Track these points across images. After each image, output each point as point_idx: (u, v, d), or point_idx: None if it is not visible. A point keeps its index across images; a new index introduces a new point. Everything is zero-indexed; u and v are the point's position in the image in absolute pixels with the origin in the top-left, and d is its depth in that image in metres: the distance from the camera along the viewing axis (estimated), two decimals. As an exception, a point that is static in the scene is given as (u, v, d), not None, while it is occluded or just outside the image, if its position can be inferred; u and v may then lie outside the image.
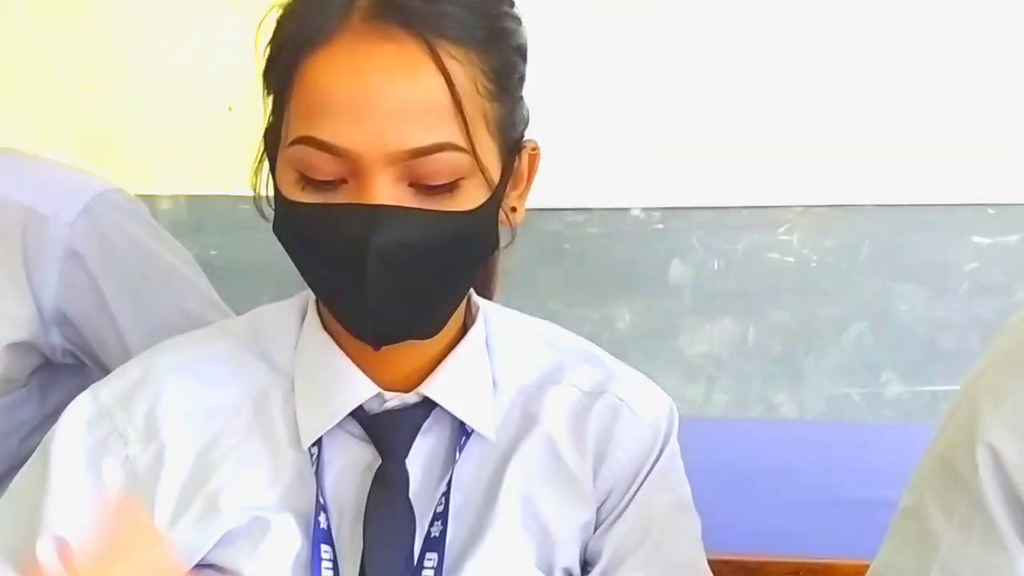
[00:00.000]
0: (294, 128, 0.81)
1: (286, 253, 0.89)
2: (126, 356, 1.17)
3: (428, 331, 0.87)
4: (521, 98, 0.91)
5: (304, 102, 0.81)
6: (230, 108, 2.20)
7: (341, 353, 0.89)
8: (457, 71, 0.81)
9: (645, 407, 0.95)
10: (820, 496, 1.59)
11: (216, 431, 0.90)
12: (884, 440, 1.91)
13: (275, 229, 0.87)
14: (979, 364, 0.85)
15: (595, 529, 0.91)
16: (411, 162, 0.80)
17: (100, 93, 2.22)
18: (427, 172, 0.81)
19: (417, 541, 0.86)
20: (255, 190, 0.94)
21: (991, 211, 2.19)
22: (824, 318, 2.25)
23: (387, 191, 0.80)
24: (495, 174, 0.86)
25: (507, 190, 0.90)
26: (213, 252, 2.13)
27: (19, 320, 1.14)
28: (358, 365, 0.88)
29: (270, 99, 0.91)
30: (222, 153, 2.21)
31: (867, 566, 1.10)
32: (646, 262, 2.24)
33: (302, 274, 0.88)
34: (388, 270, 0.80)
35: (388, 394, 0.87)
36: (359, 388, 0.87)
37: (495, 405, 0.92)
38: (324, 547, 0.84)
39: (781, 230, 2.23)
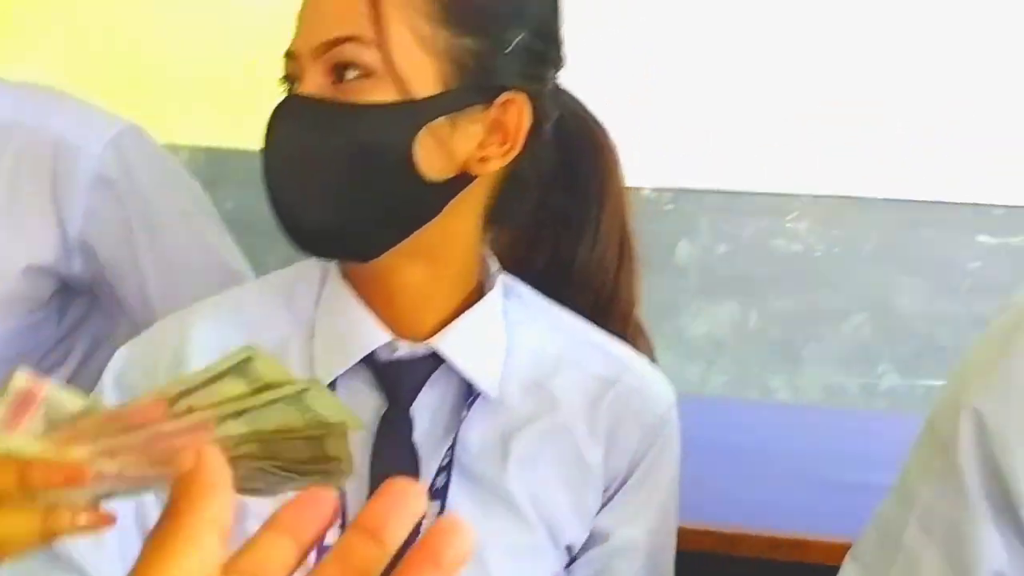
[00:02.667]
0: None
1: None
2: (142, 286, 1.20)
3: (352, 245, 0.89)
4: (513, 50, 0.92)
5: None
6: (253, 64, 2.22)
7: (359, 302, 0.92)
8: None
9: (654, 398, 0.98)
10: (809, 477, 1.62)
11: None
12: (877, 427, 1.93)
13: None
14: (976, 340, 0.87)
15: (600, 508, 0.94)
16: (327, 55, 0.85)
17: (126, 40, 2.24)
18: (339, 62, 0.85)
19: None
20: None
21: (998, 211, 2.20)
22: (825, 307, 2.26)
23: (313, 82, 0.85)
24: (421, 88, 0.88)
25: (485, 136, 0.91)
26: (229, 205, 2.15)
27: (43, 245, 1.17)
28: (376, 314, 0.91)
29: None
30: (242, 108, 2.23)
31: (839, 544, 1.13)
32: (654, 241, 2.23)
33: None
34: (282, 151, 0.85)
35: (399, 343, 0.90)
36: (373, 335, 0.90)
37: (507, 372, 0.94)
38: None
39: (789, 218, 2.24)
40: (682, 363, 2.28)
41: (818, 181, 2.22)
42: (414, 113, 0.87)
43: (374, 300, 0.91)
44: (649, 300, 2.23)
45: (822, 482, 1.59)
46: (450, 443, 0.89)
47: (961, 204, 2.21)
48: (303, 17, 0.87)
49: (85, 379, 1.02)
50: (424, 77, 0.87)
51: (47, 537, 0.53)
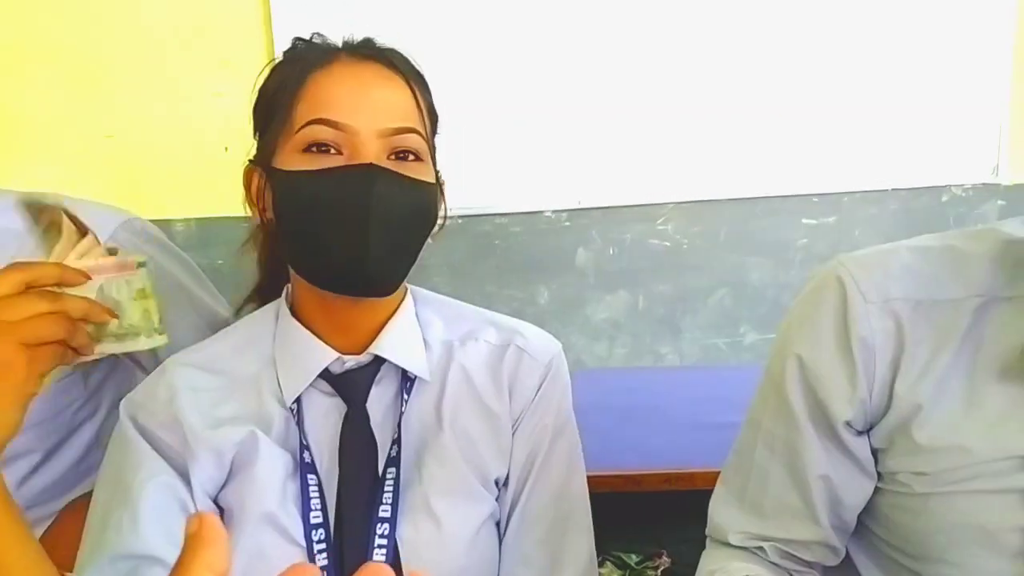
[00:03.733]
0: (303, 117, 0.86)
1: (283, 234, 0.91)
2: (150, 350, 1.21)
3: (392, 287, 0.92)
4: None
5: (312, 100, 0.86)
6: (226, 149, 2.22)
7: (308, 332, 0.94)
8: (414, 89, 0.90)
9: (540, 350, 1.01)
10: (693, 422, 1.65)
11: (221, 406, 0.92)
12: (741, 377, 1.98)
13: (276, 211, 0.89)
14: (794, 301, 0.91)
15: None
16: (392, 138, 0.86)
17: (123, 142, 2.23)
18: (403, 146, 0.87)
19: (381, 462, 0.90)
20: (249, 206, 1.00)
21: (815, 199, 2.27)
22: (695, 287, 2.31)
23: (376, 157, 0.86)
24: (434, 170, 0.93)
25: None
26: (220, 262, 2.15)
27: None
28: (321, 339, 0.95)
29: (258, 131, 0.94)
30: (221, 184, 2.23)
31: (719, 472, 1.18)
32: (558, 252, 2.28)
33: (298, 244, 0.88)
34: (383, 215, 0.84)
35: (346, 357, 0.93)
36: (324, 355, 0.92)
37: (428, 358, 0.98)
38: (310, 476, 0.88)
39: (659, 221, 2.28)
40: (590, 343, 2.32)
41: (678, 190, 2.27)
42: (437, 190, 0.92)
43: (322, 329, 0.94)
44: (560, 297, 2.31)
45: (703, 425, 1.62)
46: (397, 421, 0.91)
47: (787, 196, 2.26)
48: (357, 100, 0.85)
49: (111, 429, 1.03)
50: (432, 161, 0.93)
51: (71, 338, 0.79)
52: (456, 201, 2.37)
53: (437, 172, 0.95)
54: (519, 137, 2.21)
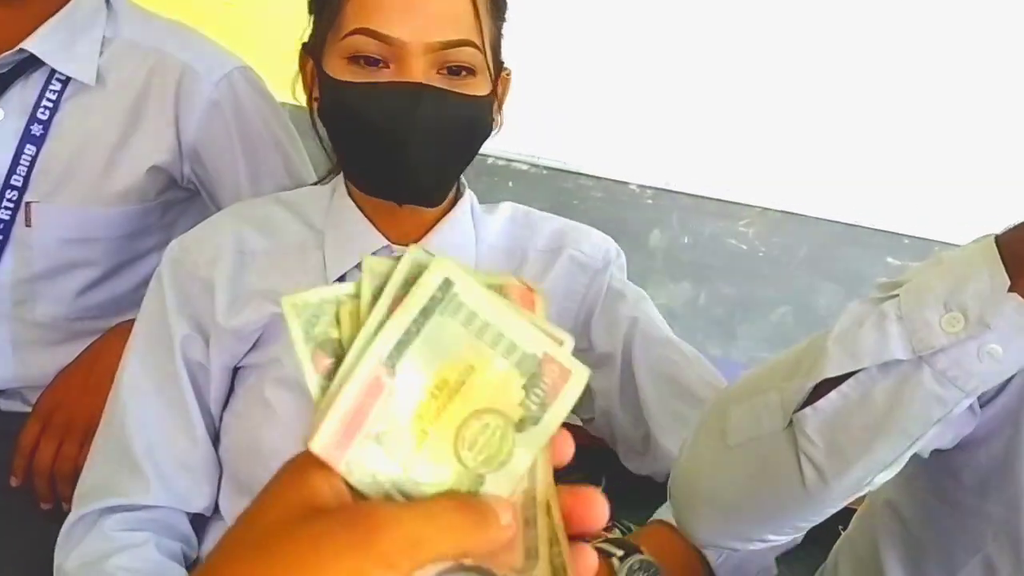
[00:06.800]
0: (349, 23, 0.83)
1: (329, 135, 0.90)
2: (237, 190, 1.19)
3: (437, 198, 0.90)
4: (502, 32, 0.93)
5: (359, 4, 0.83)
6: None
7: (361, 214, 0.92)
8: None
9: (594, 251, 0.99)
10: None
11: (261, 275, 0.92)
12: None
13: (322, 113, 0.88)
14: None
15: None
16: (443, 52, 0.82)
17: (240, 12, 2.21)
18: (454, 60, 0.83)
19: None
20: (297, 93, 0.96)
21: (905, 240, 2.19)
22: (760, 297, 2.25)
23: (424, 73, 0.82)
24: (489, 80, 0.88)
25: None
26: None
27: (164, 148, 1.17)
28: (374, 224, 0.91)
29: (312, 13, 0.93)
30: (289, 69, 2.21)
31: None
32: (633, 226, 2.24)
33: (343, 148, 0.88)
34: (427, 135, 0.82)
35: (396, 247, 0.90)
36: (373, 240, 0.90)
37: (476, 257, 0.95)
38: None
39: (742, 222, 2.22)
40: (642, 325, 2.27)
41: (769, 196, 2.21)
42: (492, 96, 0.88)
43: (373, 215, 0.91)
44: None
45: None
46: None
47: (877, 230, 2.19)
48: (407, 9, 0.80)
49: None
50: (488, 70, 0.87)
51: None
52: (544, 151, 2.29)
53: (501, 64, 0.90)
54: (623, 101, 2.16)
